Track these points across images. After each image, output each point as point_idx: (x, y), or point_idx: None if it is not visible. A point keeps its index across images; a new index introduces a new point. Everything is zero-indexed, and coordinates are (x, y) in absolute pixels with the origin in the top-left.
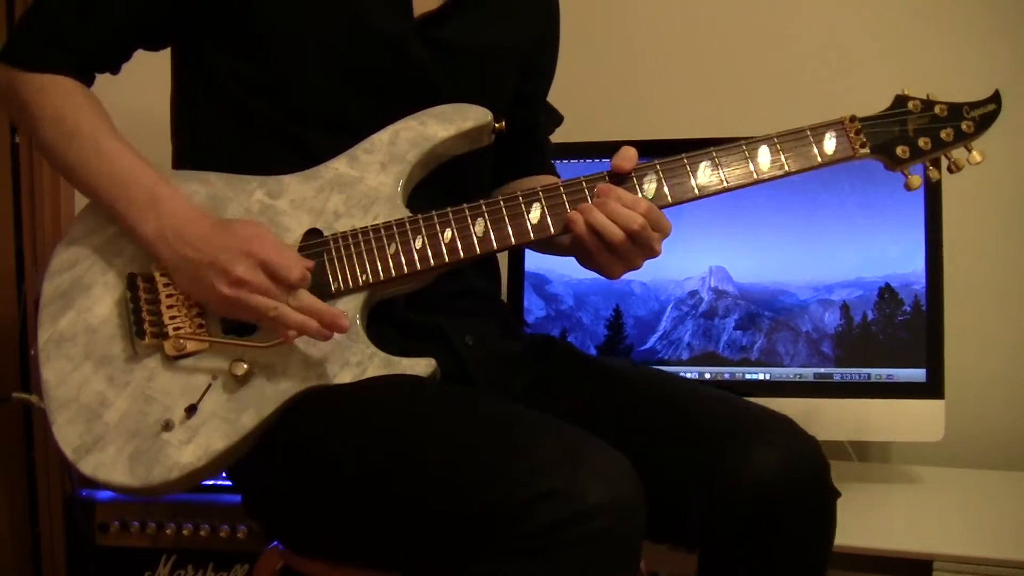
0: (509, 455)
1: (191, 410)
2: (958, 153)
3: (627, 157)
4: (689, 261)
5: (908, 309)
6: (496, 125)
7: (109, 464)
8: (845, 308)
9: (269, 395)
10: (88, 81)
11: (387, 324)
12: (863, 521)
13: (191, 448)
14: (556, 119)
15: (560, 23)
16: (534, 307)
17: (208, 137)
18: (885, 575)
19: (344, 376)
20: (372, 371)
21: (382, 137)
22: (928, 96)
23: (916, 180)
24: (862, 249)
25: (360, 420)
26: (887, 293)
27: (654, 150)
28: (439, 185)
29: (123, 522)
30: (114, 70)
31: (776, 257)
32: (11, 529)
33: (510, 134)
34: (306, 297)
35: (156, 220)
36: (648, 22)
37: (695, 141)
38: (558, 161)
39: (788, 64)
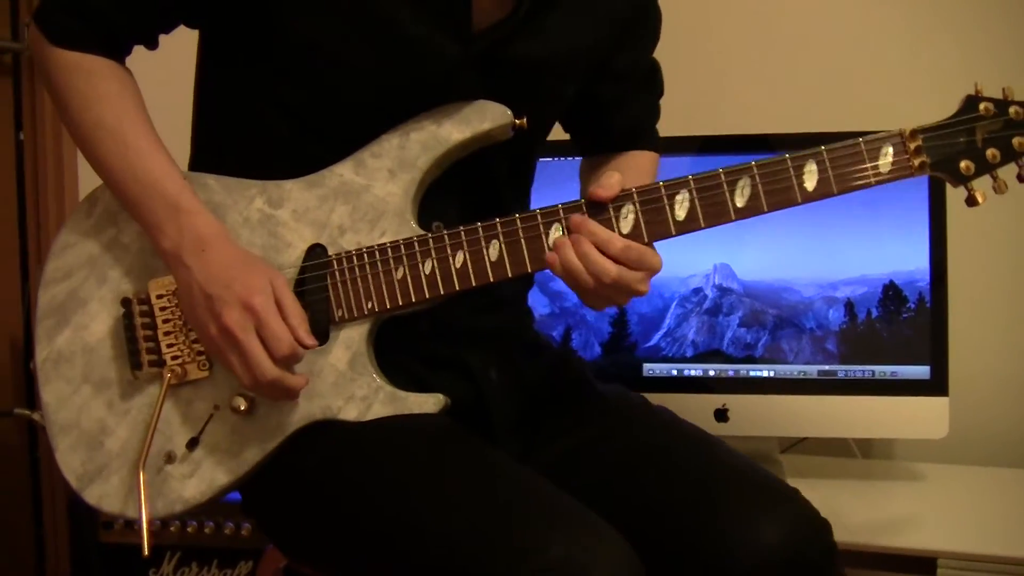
0: (518, 550)
1: (193, 443)
2: None
3: (606, 185)
4: (693, 258)
5: (912, 306)
6: (516, 122)
7: (113, 495)
8: (849, 305)
9: (272, 428)
10: (121, 57)
11: (408, 354)
12: (867, 518)
13: (194, 483)
14: (657, 91)
15: (656, 13)
16: (538, 304)
17: (232, 152)
18: (890, 572)
19: (349, 410)
20: (378, 407)
21: (391, 139)
22: (1005, 94)
23: (981, 196)
24: (866, 246)
25: (369, 476)
26: (891, 290)
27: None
28: (466, 180)
29: (127, 520)
30: (150, 44)
31: (780, 254)
32: (14, 526)
33: (583, 123)
34: (276, 375)
35: (176, 234)
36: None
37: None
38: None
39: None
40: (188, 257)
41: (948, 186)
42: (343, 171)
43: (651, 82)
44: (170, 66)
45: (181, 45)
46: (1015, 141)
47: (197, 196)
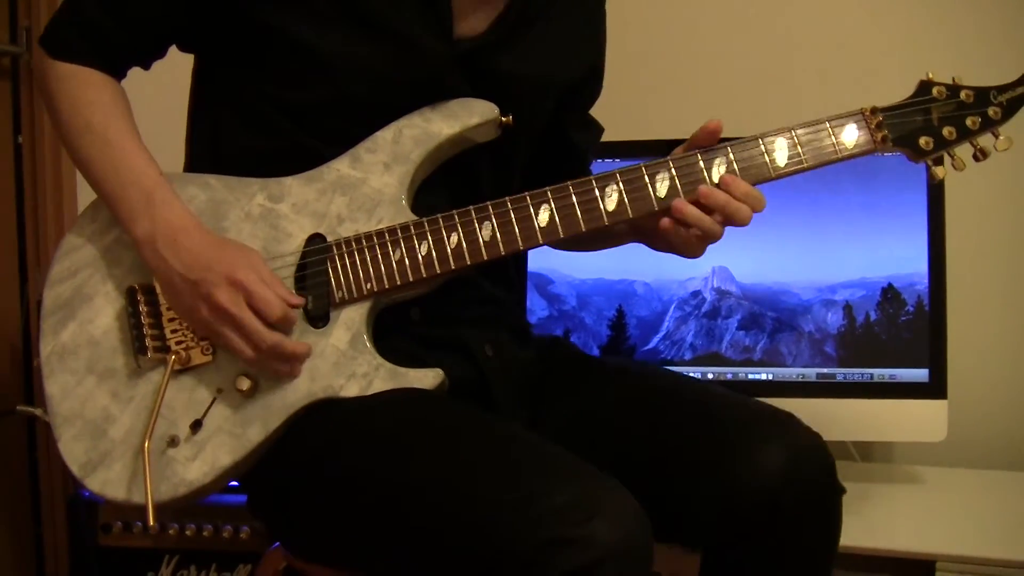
0: (524, 497)
1: (196, 425)
2: (984, 140)
3: (714, 129)
4: (692, 261)
5: (911, 309)
6: (503, 119)
7: (116, 481)
8: (848, 308)
9: (275, 408)
10: (117, 74)
11: (404, 336)
12: (866, 521)
13: (197, 464)
14: (597, 132)
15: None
16: (537, 307)
17: (230, 152)
18: (888, 575)
19: (350, 388)
20: (379, 383)
21: (385, 135)
22: (954, 80)
23: (941, 171)
24: (865, 249)
25: (373, 442)
26: (890, 293)
27: (656, 150)
28: (453, 182)
29: (126, 523)
30: (144, 65)
31: (779, 257)
32: (13, 529)
33: (543, 152)
34: (275, 339)
35: (149, 224)
36: (646, 21)
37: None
38: None
39: (791, 60)
40: (162, 247)
41: (946, 188)
42: (340, 166)
43: (593, 123)
44: (164, 80)
45: (174, 60)
46: (968, 120)
47: (175, 192)
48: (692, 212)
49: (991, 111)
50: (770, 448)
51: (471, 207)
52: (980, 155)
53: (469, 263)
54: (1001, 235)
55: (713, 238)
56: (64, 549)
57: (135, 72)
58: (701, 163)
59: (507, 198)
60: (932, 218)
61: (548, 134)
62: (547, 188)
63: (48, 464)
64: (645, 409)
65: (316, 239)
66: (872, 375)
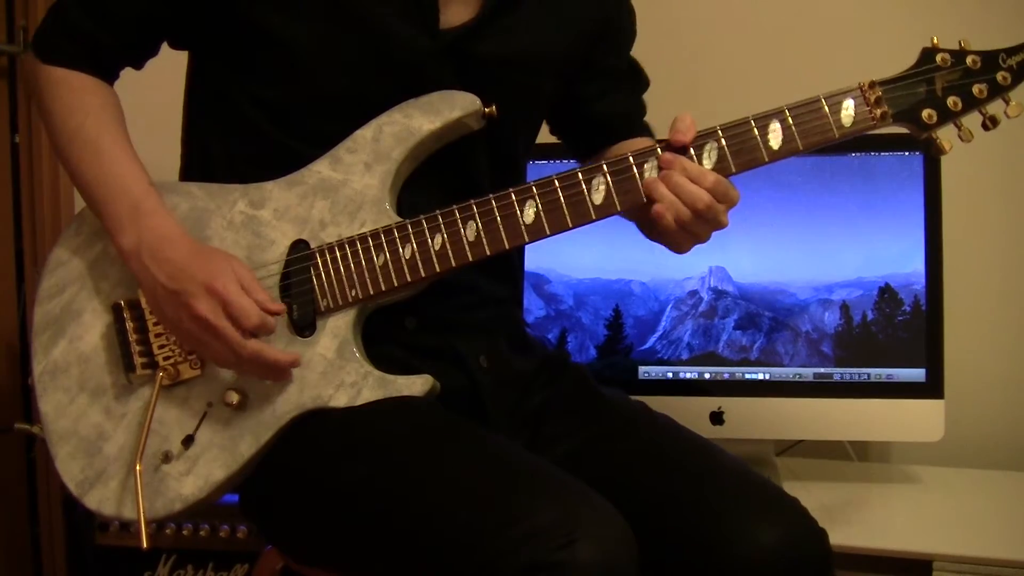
0: (507, 515)
1: (188, 441)
2: (994, 107)
3: (683, 130)
4: (689, 261)
5: (908, 309)
6: (486, 110)
7: (112, 498)
8: (845, 308)
9: (266, 421)
10: (110, 75)
11: (397, 345)
12: (863, 521)
13: (191, 480)
14: (641, 85)
15: (630, 11)
16: (533, 307)
17: (218, 157)
18: (885, 575)
19: (340, 397)
20: (368, 392)
21: (365, 134)
22: (961, 45)
23: (947, 145)
24: (862, 249)
25: (359, 455)
26: (887, 293)
27: None
28: (450, 177)
29: (123, 522)
30: (136, 65)
31: (776, 257)
32: (10, 529)
33: (581, 135)
34: (256, 347)
35: (135, 234)
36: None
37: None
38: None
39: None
40: (147, 257)
41: (943, 188)
42: (320, 168)
43: (632, 77)
44: (162, 84)
45: (172, 63)
46: (975, 88)
47: (163, 201)
48: (663, 192)
49: (1000, 76)
50: (766, 524)
51: (455, 206)
52: (989, 123)
53: (454, 264)
54: (998, 235)
55: (689, 224)
56: (61, 548)
57: (138, 73)
58: (691, 150)
59: (491, 195)
60: (929, 218)
61: (571, 115)
62: (532, 183)
63: (45, 465)
64: (646, 462)
65: (299, 245)
66: (869, 375)
